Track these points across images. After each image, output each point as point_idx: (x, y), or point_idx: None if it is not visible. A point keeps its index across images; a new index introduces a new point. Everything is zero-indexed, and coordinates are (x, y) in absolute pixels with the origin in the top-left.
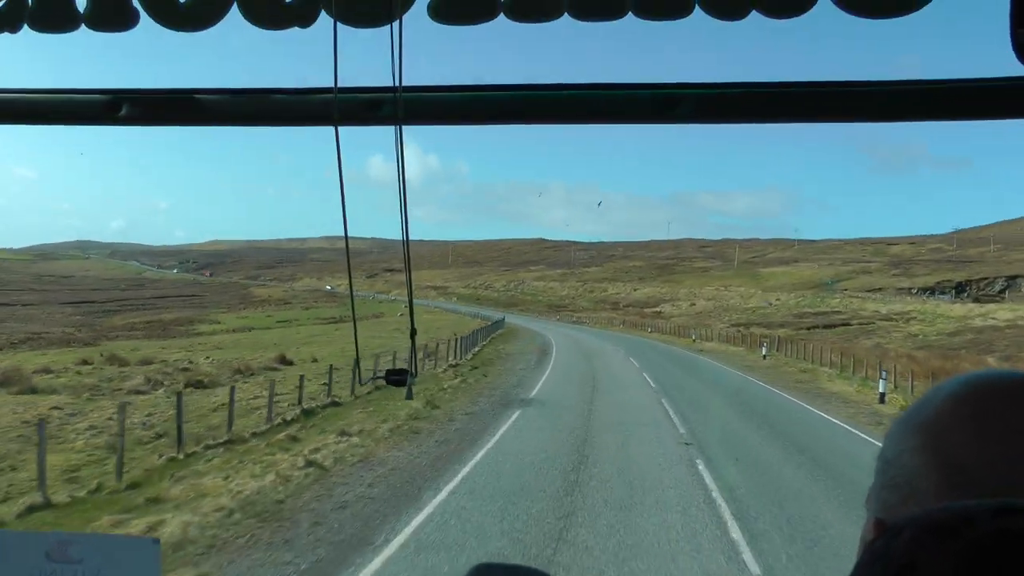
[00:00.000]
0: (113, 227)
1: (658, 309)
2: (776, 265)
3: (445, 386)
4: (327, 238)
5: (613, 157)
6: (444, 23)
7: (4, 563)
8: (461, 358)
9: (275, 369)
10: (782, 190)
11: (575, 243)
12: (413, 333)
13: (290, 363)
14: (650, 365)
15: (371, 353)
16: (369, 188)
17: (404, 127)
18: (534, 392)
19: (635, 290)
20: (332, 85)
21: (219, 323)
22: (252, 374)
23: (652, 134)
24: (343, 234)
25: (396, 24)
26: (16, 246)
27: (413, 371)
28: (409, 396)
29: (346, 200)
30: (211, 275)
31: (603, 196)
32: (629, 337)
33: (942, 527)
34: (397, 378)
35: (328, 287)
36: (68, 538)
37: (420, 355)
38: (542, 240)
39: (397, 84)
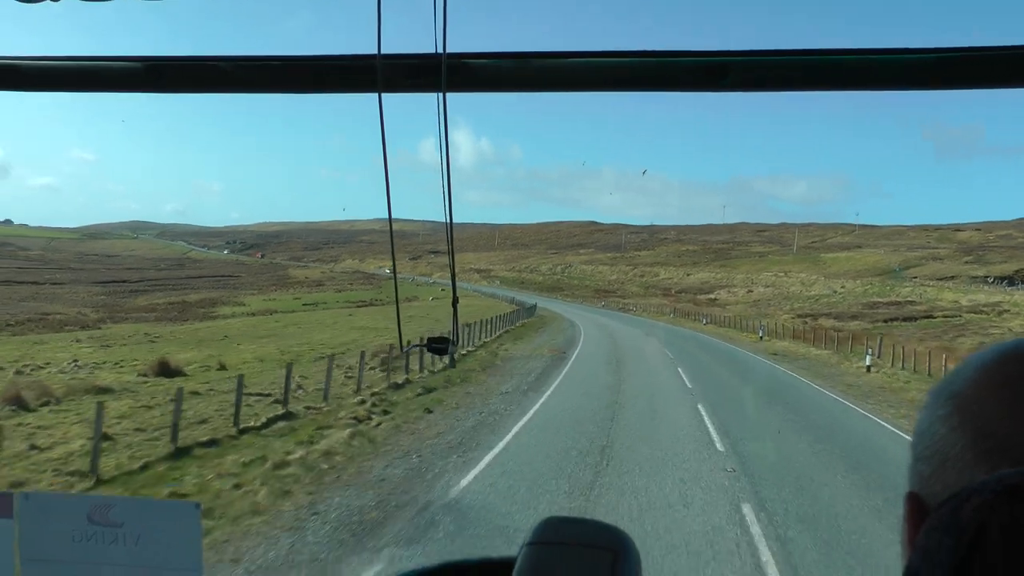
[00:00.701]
0: (168, 209)
1: (713, 296)
2: (838, 250)
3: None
4: (379, 219)
5: (667, 141)
6: None
7: (47, 523)
8: (433, 366)
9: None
10: (840, 176)
11: (627, 226)
12: (455, 302)
13: (179, 373)
14: (714, 387)
15: (349, 348)
16: (421, 171)
17: (450, 97)
18: (468, 480)
19: (688, 275)
20: (376, 51)
21: (243, 304)
22: (107, 391)
23: (707, 117)
24: (395, 216)
25: None
26: (71, 225)
27: (455, 339)
28: (452, 364)
29: (396, 184)
30: (261, 256)
31: (655, 181)
32: (681, 331)
33: (1015, 490)
34: (439, 346)
35: (385, 269)
36: (109, 501)
37: (375, 362)
38: (593, 223)
39: (441, 51)
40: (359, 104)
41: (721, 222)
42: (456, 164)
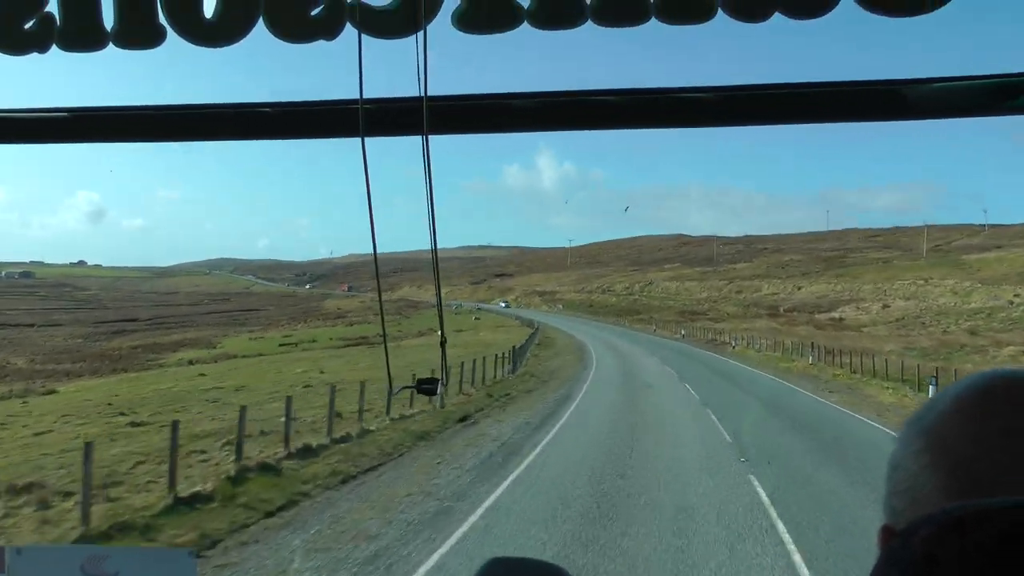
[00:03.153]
0: (260, 246)
1: (836, 315)
2: (974, 252)
3: None
4: (462, 247)
5: (755, 156)
6: (469, 32)
7: None
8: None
9: None
10: (930, 184)
11: (719, 237)
12: (443, 342)
13: None
14: None
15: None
16: (508, 198)
17: (431, 136)
18: None
19: (798, 288)
20: (358, 97)
21: (213, 347)
22: None
23: (794, 131)
24: (479, 243)
25: (420, 34)
26: (162, 265)
27: (444, 380)
28: (442, 405)
29: (482, 210)
30: (348, 288)
31: (743, 196)
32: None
33: (960, 523)
34: (428, 387)
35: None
36: (104, 552)
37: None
38: (680, 235)
39: (423, 94)
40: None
41: (826, 229)
42: (540, 187)
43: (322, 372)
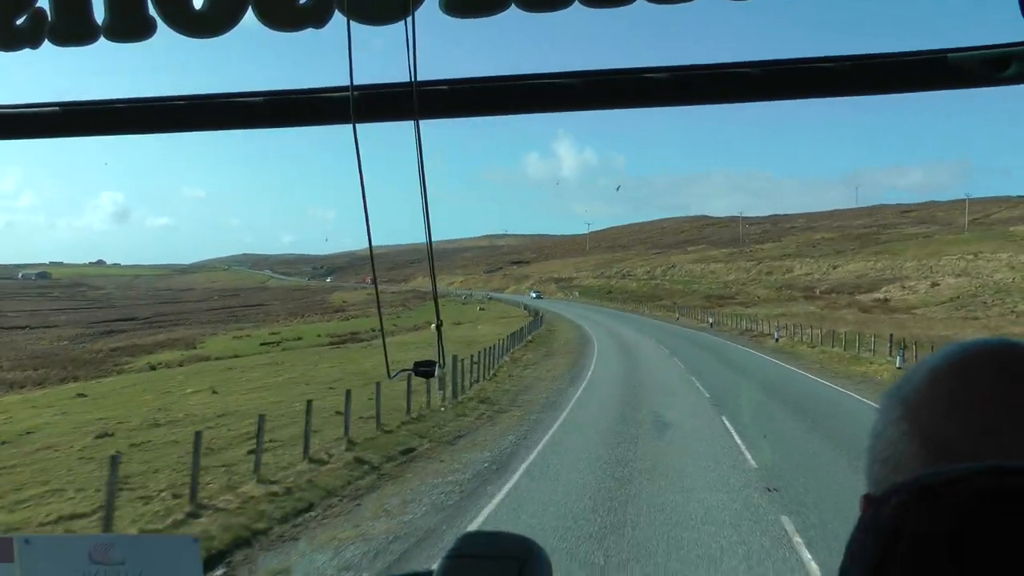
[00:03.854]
0: (285, 241)
1: (880, 295)
2: (1018, 224)
3: None
4: (485, 236)
5: (780, 139)
6: (457, 16)
7: (49, 566)
8: None
9: None
10: (959, 160)
11: (745, 218)
12: (439, 325)
13: None
14: None
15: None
16: (527, 187)
17: (422, 121)
18: None
19: (834, 267)
20: (348, 83)
21: (194, 348)
22: None
23: (820, 111)
24: (500, 231)
25: (409, 20)
26: (186, 262)
27: (441, 362)
28: (440, 387)
29: (501, 199)
30: (370, 281)
31: (770, 181)
32: None
33: (927, 491)
34: (425, 369)
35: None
36: (110, 540)
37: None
38: (704, 217)
39: (413, 79)
40: (450, 125)
41: (855, 206)
42: (560, 175)
43: (214, 392)
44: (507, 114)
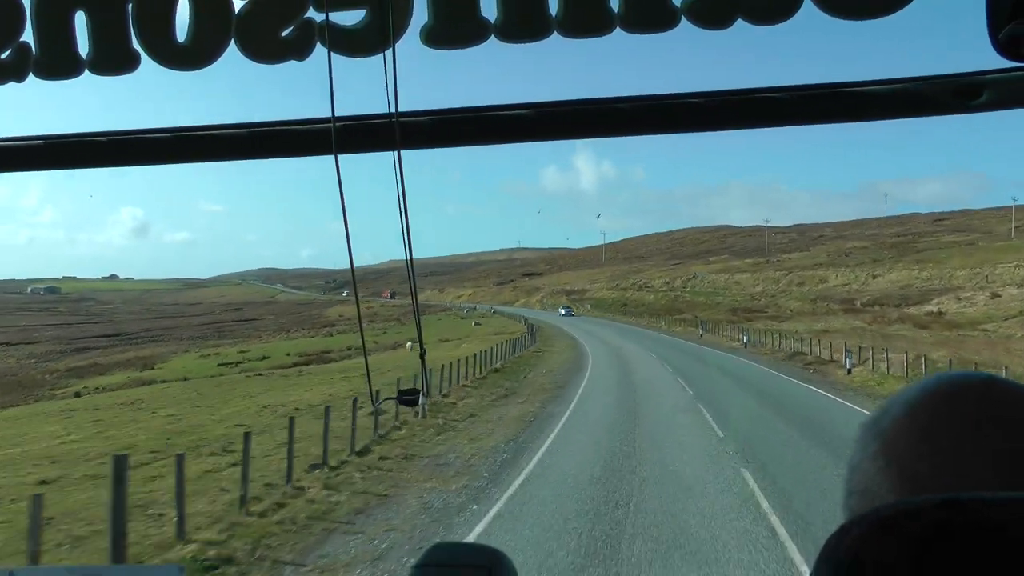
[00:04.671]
0: (304, 255)
1: (934, 308)
2: None
3: None
4: (504, 250)
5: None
6: (437, 48)
7: None
8: None
9: None
10: (976, 174)
11: (770, 227)
12: (423, 353)
13: None
14: None
15: None
16: (544, 200)
17: (403, 152)
18: None
19: (873, 277)
20: (329, 115)
21: (151, 369)
22: None
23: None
24: (515, 245)
25: (390, 52)
26: (204, 276)
27: (425, 391)
28: (424, 415)
29: (519, 212)
30: (391, 295)
31: (784, 194)
32: None
33: (887, 522)
34: (409, 398)
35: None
36: (94, 571)
37: None
38: (726, 227)
39: (394, 110)
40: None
41: (885, 215)
42: (579, 188)
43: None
44: (488, 144)
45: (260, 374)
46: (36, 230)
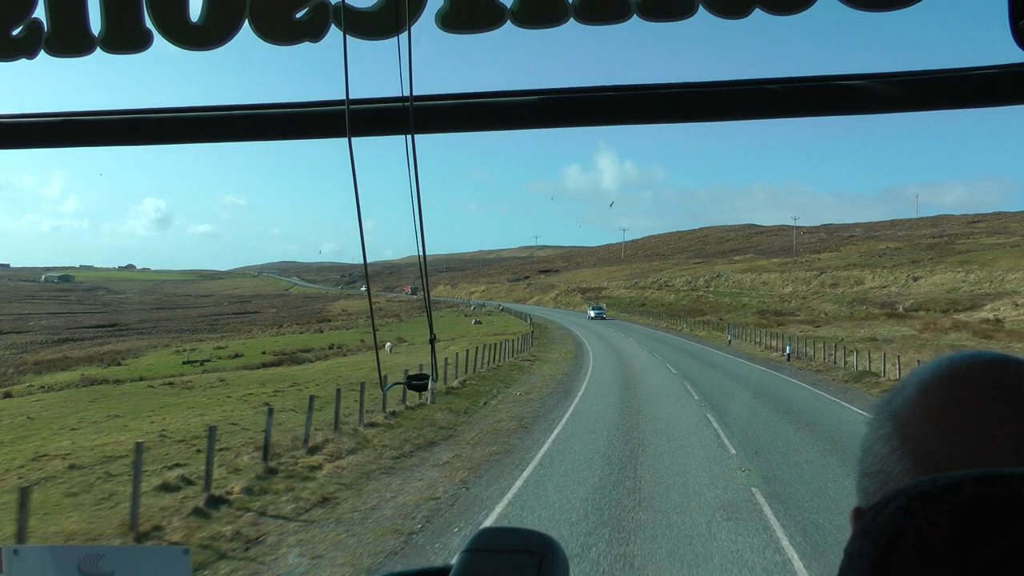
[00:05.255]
0: (325, 249)
1: (988, 314)
2: None
3: None
4: (524, 247)
5: (818, 155)
6: (452, 32)
7: None
8: None
9: None
10: (1002, 178)
11: (797, 227)
12: (433, 339)
13: None
14: None
15: None
16: (566, 198)
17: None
18: None
19: (915, 279)
20: (344, 97)
21: (117, 365)
22: None
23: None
24: (538, 243)
25: (404, 35)
26: (224, 268)
27: (434, 376)
28: (432, 400)
29: (544, 211)
30: (412, 291)
31: (810, 196)
32: None
33: (927, 496)
34: (418, 384)
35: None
36: (99, 551)
37: None
38: (751, 226)
39: (408, 94)
40: (495, 137)
41: (915, 216)
42: (601, 188)
43: None
44: (501, 129)
45: (187, 386)
46: (61, 219)
